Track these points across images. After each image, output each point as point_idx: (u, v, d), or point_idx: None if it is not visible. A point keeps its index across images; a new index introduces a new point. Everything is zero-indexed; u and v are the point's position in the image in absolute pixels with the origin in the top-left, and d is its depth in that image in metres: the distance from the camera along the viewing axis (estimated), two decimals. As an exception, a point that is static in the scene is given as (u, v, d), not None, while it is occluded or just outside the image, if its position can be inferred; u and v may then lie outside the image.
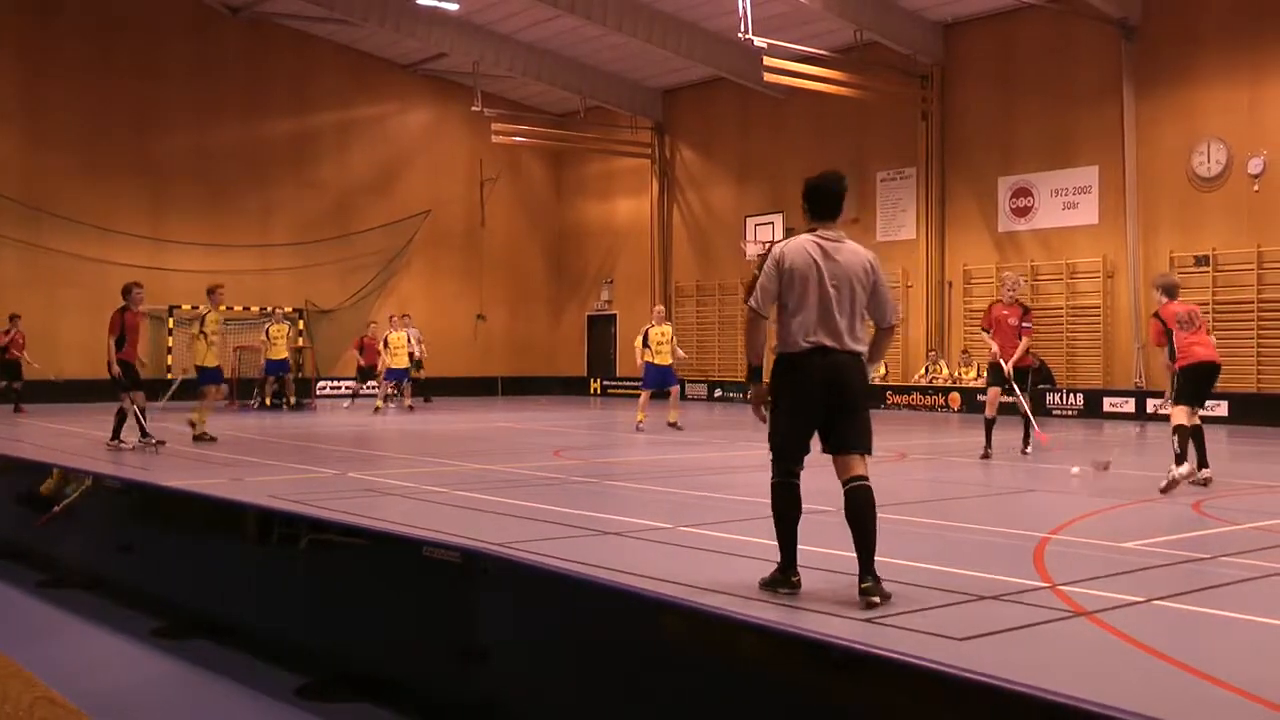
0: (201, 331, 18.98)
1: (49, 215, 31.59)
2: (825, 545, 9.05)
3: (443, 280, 38.30)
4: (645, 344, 21.85)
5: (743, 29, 26.50)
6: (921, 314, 31.03)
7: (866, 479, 7.07)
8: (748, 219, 34.59)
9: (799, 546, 7.27)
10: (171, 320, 33.35)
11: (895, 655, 3.52)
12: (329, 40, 36.03)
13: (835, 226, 7.55)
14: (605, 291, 40.24)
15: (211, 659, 6.22)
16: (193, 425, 18.69)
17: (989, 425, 16.85)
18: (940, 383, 29.84)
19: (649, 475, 14.24)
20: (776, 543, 7.32)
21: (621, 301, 39.82)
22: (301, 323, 34.40)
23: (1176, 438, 12.65)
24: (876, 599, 6.66)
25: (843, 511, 7.04)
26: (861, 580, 6.77)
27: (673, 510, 10.90)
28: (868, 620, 6.40)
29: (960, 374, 29.60)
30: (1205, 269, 25.82)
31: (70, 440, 19.34)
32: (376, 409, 28.28)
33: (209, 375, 19.04)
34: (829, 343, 7.16)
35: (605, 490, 12.55)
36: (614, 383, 38.81)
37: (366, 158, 37.51)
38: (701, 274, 37.22)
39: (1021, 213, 29.20)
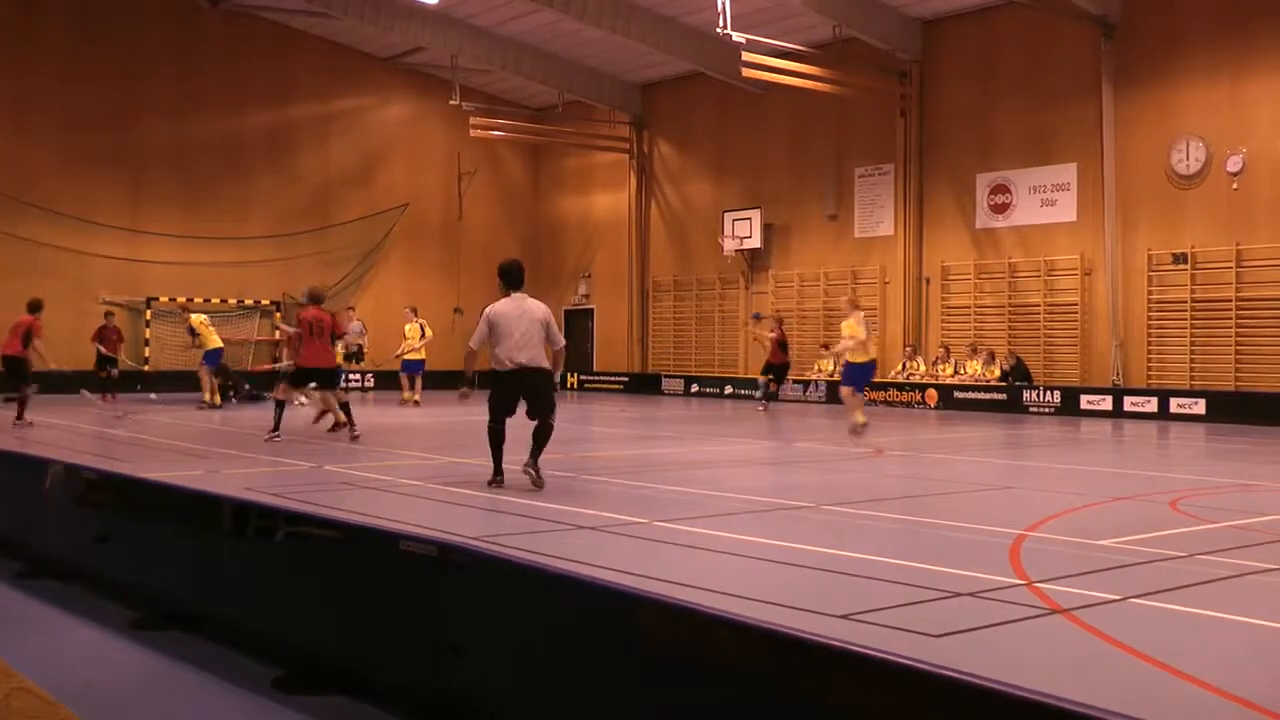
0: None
1: (28, 206, 31.41)
2: (804, 541, 9.05)
3: (420, 273, 38.24)
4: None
5: (721, 24, 26.47)
6: (899, 310, 31.08)
7: (550, 422, 12.02)
8: (725, 214, 34.61)
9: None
10: (149, 312, 33.24)
11: (871, 652, 3.51)
12: (308, 33, 35.93)
13: (521, 291, 12.12)
14: (583, 286, 40.22)
15: (188, 650, 6.20)
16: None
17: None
18: (917, 379, 29.89)
19: (625, 470, 14.23)
20: (492, 458, 12.09)
21: (599, 296, 39.80)
22: (278, 314, 34.36)
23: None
24: (536, 477, 11.82)
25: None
26: (526, 466, 11.87)
27: (648, 505, 10.90)
28: (844, 617, 6.41)
29: (940, 370, 29.66)
30: (1184, 267, 25.91)
31: (49, 432, 19.24)
32: (403, 400, 28.12)
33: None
34: (525, 362, 11.82)
35: (581, 485, 12.53)
36: (590, 377, 38.79)
37: (345, 150, 37.42)
38: (679, 269, 37.22)
39: (1000, 209, 29.26)
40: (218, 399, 26.17)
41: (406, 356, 28.12)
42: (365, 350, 30.73)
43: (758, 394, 28.17)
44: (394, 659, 5.41)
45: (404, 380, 28.62)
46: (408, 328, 28.28)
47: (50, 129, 32.13)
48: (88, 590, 7.53)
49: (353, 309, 31.25)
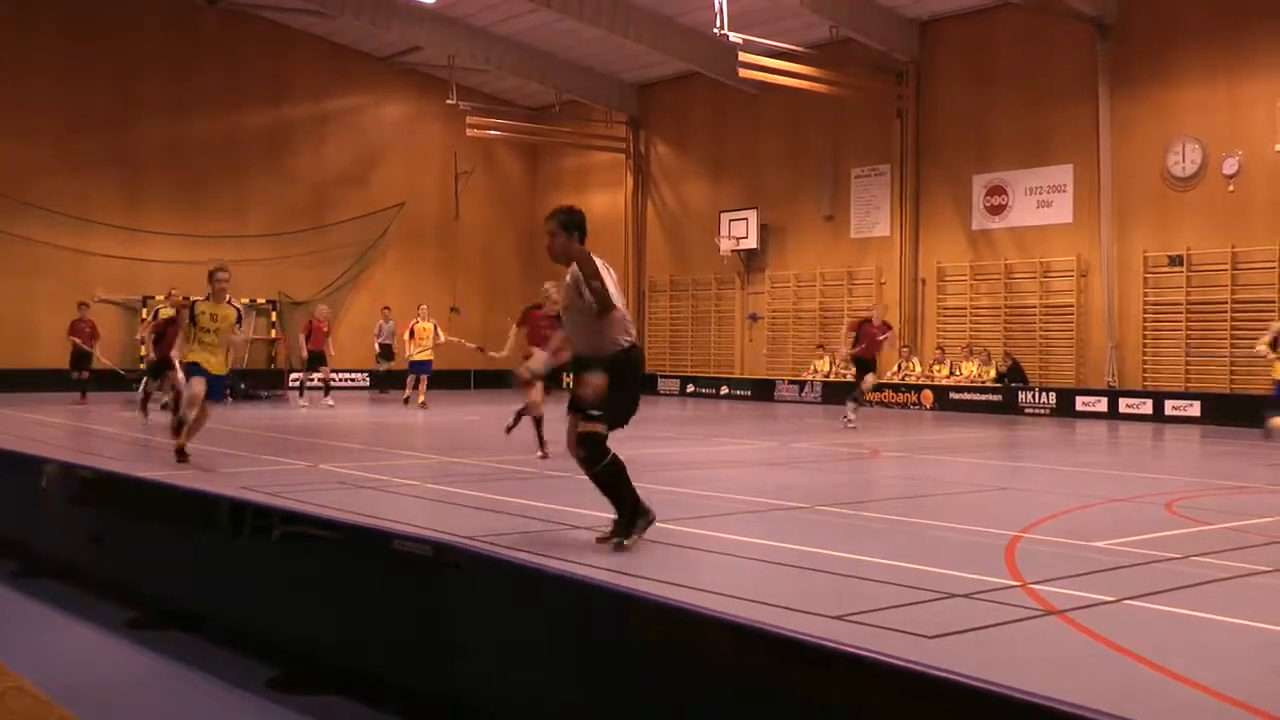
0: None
1: (25, 205, 31.37)
2: (799, 542, 9.06)
3: (417, 273, 38.20)
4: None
5: (718, 24, 26.49)
6: (895, 311, 31.05)
7: None
8: (722, 214, 34.61)
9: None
10: (145, 311, 33.18)
11: (866, 653, 3.52)
12: (305, 32, 35.91)
13: None
14: (580, 286, 40.15)
15: (184, 650, 6.20)
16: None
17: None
18: (913, 380, 29.90)
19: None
20: (626, 500, 8.43)
21: (596, 296, 39.72)
22: (274, 313, 34.44)
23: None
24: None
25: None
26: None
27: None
28: (839, 617, 6.41)
29: (936, 371, 29.67)
30: (1179, 269, 25.93)
31: (45, 429, 19.23)
32: (406, 400, 27.70)
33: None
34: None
35: (579, 485, 12.54)
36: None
37: (342, 150, 37.41)
38: (675, 268, 37.22)
39: (996, 211, 29.27)
40: None
41: (415, 357, 27.77)
42: (395, 350, 30.54)
43: (849, 403, 22.17)
44: (389, 659, 5.42)
45: (409, 380, 28.10)
46: (419, 326, 27.75)
47: (48, 128, 32.08)
48: (84, 590, 7.53)
49: (388, 309, 31.19)
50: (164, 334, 21.93)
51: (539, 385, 15.11)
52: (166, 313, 25.36)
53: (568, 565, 7.45)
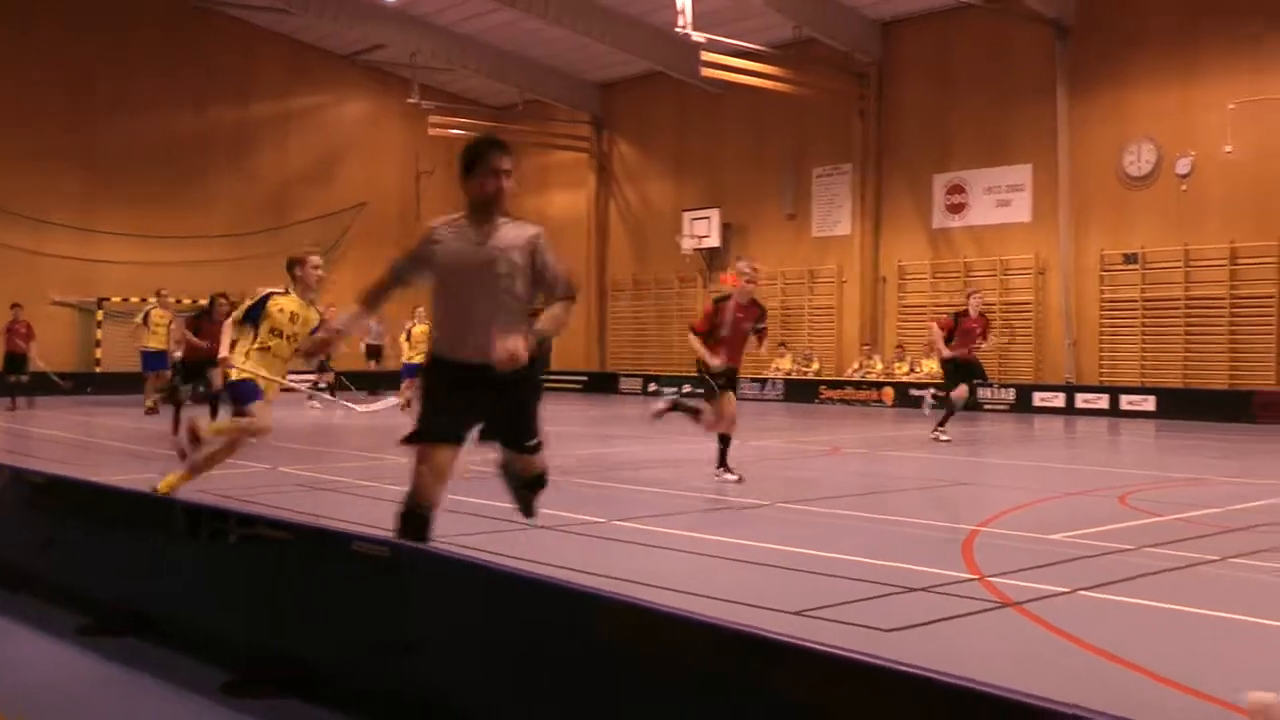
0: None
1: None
2: (759, 539, 9.08)
3: (378, 272, 37.71)
4: None
5: (681, 23, 26.49)
6: (856, 309, 31.20)
7: None
8: (684, 213, 34.64)
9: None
10: (101, 313, 32.91)
11: (822, 648, 3.53)
12: (268, 29, 35.71)
13: None
14: (541, 285, 40.08)
15: (136, 656, 6.15)
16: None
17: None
18: (874, 377, 30.00)
19: (584, 469, 14.24)
20: None
21: (558, 295, 39.66)
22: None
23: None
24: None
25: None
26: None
27: (605, 503, 10.91)
28: (798, 613, 6.43)
29: (896, 369, 29.78)
30: (1134, 267, 26.17)
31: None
32: (404, 406, 27.12)
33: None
34: None
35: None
36: (547, 376, 38.63)
37: (303, 148, 37.23)
38: (638, 267, 37.23)
39: (955, 210, 29.43)
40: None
41: (411, 359, 27.32)
42: (385, 350, 30.17)
43: (934, 413, 20.54)
44: (347, 661, 5.39)
45: (404, 385, 27.51)
46: (416, 330, 27.08)
47: (1, 125, 31.70)
48: (34, 596, 7.46)
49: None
50: (199, 330, 19.15)
51: (730, 393, 13.25)
52: (159, 315, 24.54)
53: (527, 565, 7.44)
